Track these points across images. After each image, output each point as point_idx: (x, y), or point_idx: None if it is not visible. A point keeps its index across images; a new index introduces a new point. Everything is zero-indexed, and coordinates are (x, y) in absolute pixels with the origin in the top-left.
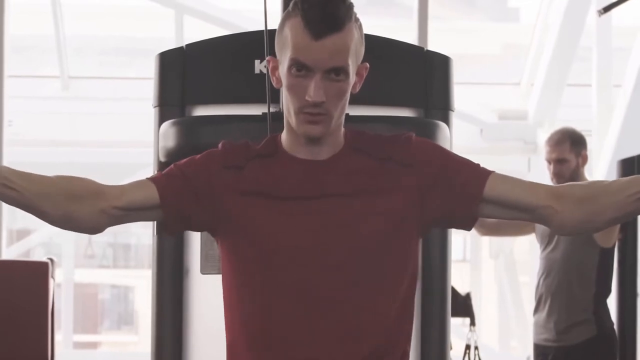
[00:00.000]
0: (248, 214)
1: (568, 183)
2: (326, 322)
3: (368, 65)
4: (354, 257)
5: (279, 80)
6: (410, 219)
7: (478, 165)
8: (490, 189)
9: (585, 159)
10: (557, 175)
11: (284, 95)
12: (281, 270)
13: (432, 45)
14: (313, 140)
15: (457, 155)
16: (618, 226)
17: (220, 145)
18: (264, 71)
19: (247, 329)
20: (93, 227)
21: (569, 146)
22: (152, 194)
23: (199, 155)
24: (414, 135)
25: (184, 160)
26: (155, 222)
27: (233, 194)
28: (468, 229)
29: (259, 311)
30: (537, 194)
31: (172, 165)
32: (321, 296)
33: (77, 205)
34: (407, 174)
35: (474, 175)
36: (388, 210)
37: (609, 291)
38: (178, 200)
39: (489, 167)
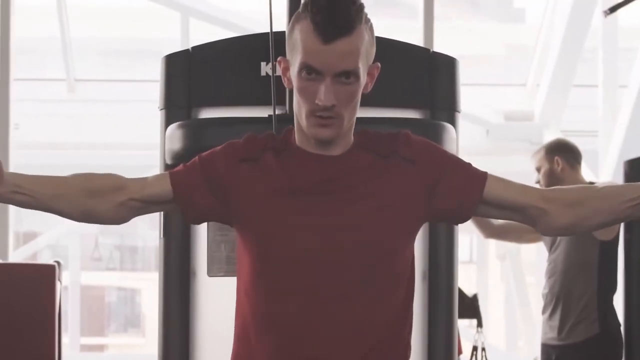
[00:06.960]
0: (259, 210)
1: (559, 187)
2: (333, 318)
3: (379, 65)
4: (361, 256)
5: (290, 81)
6: (413, 216)
7: (471, 165)
8: (488, 191)
9: (559, 164)
10: (538, 183)
11: (295, 96)
12: (289, 271)
13: (437, 46)
14: (323, 143)
15: (453, 156)
16: None
17: (243, 138)
18: (270, 73)
19: (256, 321)
20: (114, 219)
21: (543, 154)
22: (167, 188)
23: (219, 147)
24: (410, 132)
25: (207, 152)
26: (162, 224)
27: (246, 187)
28: (459, 223)
29: (269, 305)
30: (529, 195)
31: (196, 157)
32: (329, 294)
33: (95, 201)
34: (410, 170)
35: (472, 176)
36: (394, 208)
37: (613, 288)
38: (191, 193)
39: (494, 169)
